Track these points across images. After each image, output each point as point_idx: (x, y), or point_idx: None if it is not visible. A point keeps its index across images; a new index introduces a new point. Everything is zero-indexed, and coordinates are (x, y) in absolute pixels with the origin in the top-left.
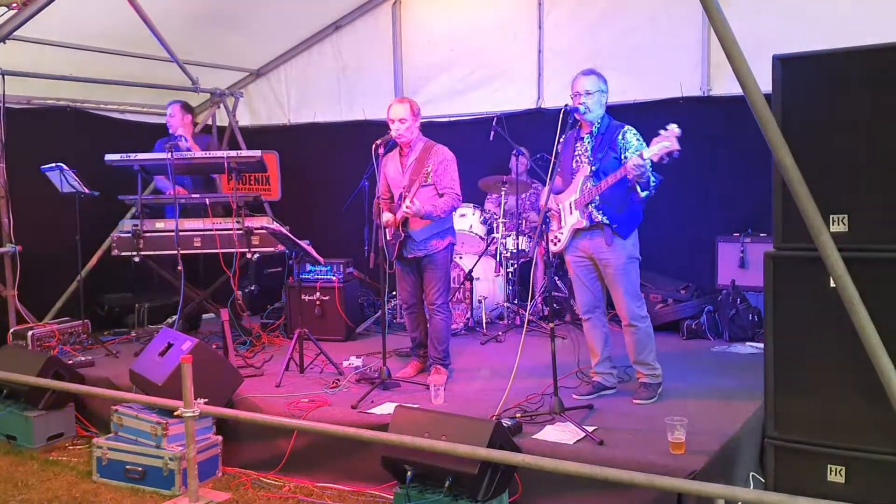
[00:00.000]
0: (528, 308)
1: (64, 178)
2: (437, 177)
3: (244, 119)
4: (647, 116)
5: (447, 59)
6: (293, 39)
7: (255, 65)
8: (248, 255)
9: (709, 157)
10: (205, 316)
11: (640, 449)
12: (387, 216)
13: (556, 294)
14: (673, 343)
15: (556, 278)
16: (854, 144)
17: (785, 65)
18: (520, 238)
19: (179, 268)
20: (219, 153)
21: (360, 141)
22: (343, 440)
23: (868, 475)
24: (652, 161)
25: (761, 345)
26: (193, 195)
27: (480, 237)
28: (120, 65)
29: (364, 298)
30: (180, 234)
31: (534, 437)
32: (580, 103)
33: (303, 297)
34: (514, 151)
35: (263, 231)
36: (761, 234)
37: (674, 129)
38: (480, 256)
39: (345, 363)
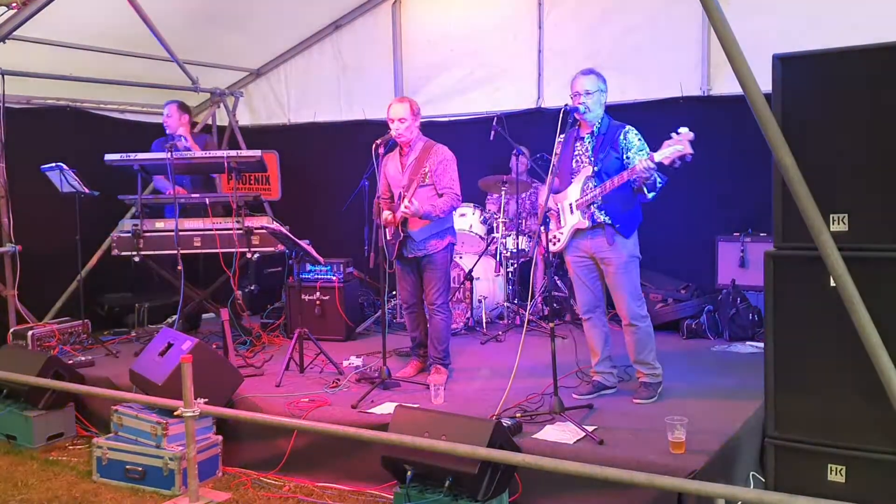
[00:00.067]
0: (528, 308)
1: (64, 178)
2: (437, 177)
3: (244, 119)
4: (647, 116)
5: (447, 59)
6: (293, 39)
7: (255, 64)
8: (248, 255)
9: (709, 157)
10: (205, 316)
11: (640, 448)
12: (386, 214)
13: (556, 294)
14: (673, 343)
15: (556, 278)
16: (854, 144)
17: (785, 64)
18: (520, 238)
19: (179, 267)
20: (219, 153)
21: (360, 141)
22: (343, 440)
23: (868, 475)
24: (662, 164)
25: (761, 344)
26: (193, 195)
27: (480, 237)
28: (120, 65)
29: (364, 298)
30: (180, 233)
31: (534, 436)
32: (580, 103)
33: (303, 296)
34: (514, 151)
35: (263, 231)
36: (761, 234)
37: (686, 133)
38: (480, 256)
39: (345, 363)
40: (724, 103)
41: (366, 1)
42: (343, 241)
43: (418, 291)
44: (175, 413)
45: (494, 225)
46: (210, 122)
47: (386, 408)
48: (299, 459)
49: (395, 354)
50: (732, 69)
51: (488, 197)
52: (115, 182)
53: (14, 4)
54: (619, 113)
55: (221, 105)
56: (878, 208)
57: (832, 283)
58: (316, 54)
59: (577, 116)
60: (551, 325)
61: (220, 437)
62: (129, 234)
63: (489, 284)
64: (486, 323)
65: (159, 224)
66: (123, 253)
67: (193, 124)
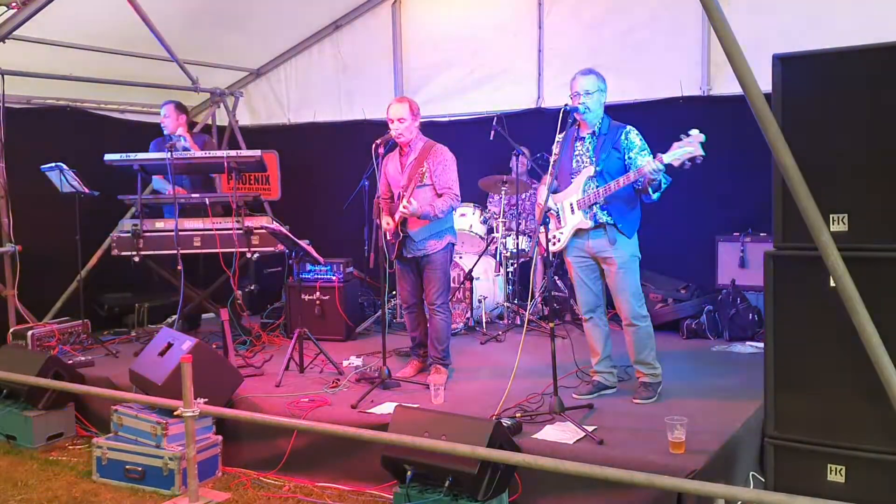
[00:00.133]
0: (528, 308)
1: (64, 178)
2: (436, 177)
3: (244, 119)
4: (648, 116)
5: (447, 59)
6: (293, 39)
7: (255, 64)
8: (248, 255)
9: (709, 157)
10: (205, 316)
11: (640, 448)
12: (385, 220)
13: (556, 294)
14: (673, 343)
15: (556, 278)
16: (854, 144)
17: (785, 64)
18: (520, 238)
19: (179, 267)
20: (218, 153)
21: (360, 141)
22: (343, 440)
23: (868, 475)
24: (671, 165)
25: (761, 344)
26: (193, 195)
27: (480, 237)
28: (120, 65)
29: (364, 298)
30: (180, 233)
31: (534, 436)
32: (580, 103)
33: (303, 296)
34: (514, 151)
35: (263, 231)
36: (761, 234)
37: (697, 134)
38: (480, 256)
39: (345, 363)
40: (724, 103)
41: (366, 1)
42: (343, 241)
43: (418, 291)
44: (175, 413)
45: (494, 225)
46: (210, 122)
47: (386, 408)
48: (299, 459)
49: (395, 354)
50: (732, 69)
51: (489, 198)
52: (115, 182)
53: (14, 4)
54: (620, 113)
55: (221, 105)
56: (878, 208)
57: (832, 284)
58: (316, 54)
59: (577, 116)
60: (551, 325)
61: (219, 437)
62: (129, 234)
63: (489, 284)
64: (486, 323)
65: (159, 224)
66: (123, 253)
67: (193, 124)
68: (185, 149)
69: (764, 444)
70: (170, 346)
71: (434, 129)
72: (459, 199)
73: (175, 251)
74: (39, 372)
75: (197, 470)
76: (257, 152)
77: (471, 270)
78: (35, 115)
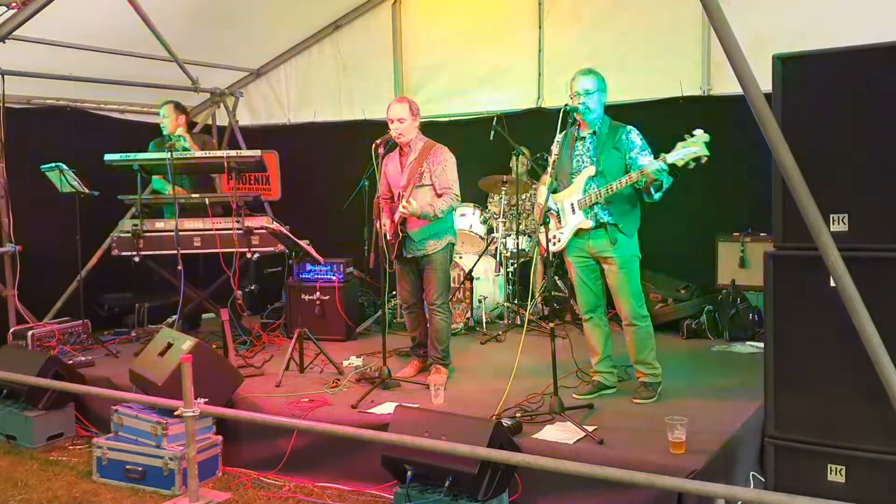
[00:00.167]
0: (528, 308)
1: (64, 178)
2: (436, 177)
3: (244, 119)
4: (648, 116)
5: (447, 59)
6: (293, 39)
7: (255, 64)
8: (248, 255)
9: (709, 157)
10: (205, 316)
11: (640, 448)
12: (385, 222)
13: (556, 294)
14: (673, 343)
15: (556, 278)
16: (854, 144)
17: (785, 64)
18: (520, 238)
19: (179, 267)
20: (218, 153)
21: (360, 141)
22: (343, 440)
23: (868, 475)
24: (675, 165)
25: (761, 344)
26: (193, 195)
27: (480, 237)
28: (120, 65)
29: (364, 298)
30: (180, 233)
31: (534, 436)
32: (580, 103)
33: (303, 296)
34: (514, 151)
35: (263, 231)
36: (761, 234)
37: (701, 134)
38: (480, 256)
39: (345, 363)
40: (724, 103)
41: (366, 1)
42: (343, 241)
43: (418, 291)
44: (175, 413)
45: (494, 225)
46: (210, 122)
47: (386, 408)
48: (299, 459)
49: (395, 354)
50: (732, 69)
51: (490, 198)
52: (115, 182)
53: (14, 4)
54: (620, 113)
55: (221, 105)
56: (878, 208)
57: (832, 283)
58: (316, 54)
59: (577, 116)
60: (551, 325)
61: (220, 437)
62: (129, 234)
63: (489, 284)
64: (486, 323)
65: (159, 224)
66: (123, 253)
67: (193, 124)
68: (185, 149)
69: (764, 444)
70: (170, 345)
71: (434, 129)
72: (459, 199)
73: (175, 251)
74: (39, 372)
75: (197, 470)
76: (257, 152)
77: (471, 270)
78: (35, 115)
